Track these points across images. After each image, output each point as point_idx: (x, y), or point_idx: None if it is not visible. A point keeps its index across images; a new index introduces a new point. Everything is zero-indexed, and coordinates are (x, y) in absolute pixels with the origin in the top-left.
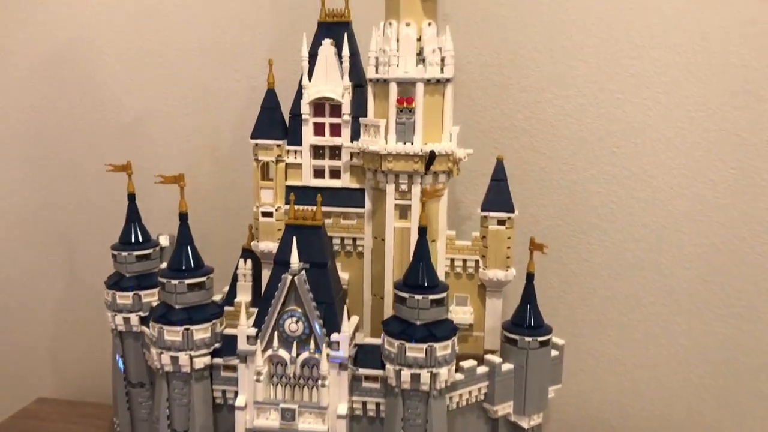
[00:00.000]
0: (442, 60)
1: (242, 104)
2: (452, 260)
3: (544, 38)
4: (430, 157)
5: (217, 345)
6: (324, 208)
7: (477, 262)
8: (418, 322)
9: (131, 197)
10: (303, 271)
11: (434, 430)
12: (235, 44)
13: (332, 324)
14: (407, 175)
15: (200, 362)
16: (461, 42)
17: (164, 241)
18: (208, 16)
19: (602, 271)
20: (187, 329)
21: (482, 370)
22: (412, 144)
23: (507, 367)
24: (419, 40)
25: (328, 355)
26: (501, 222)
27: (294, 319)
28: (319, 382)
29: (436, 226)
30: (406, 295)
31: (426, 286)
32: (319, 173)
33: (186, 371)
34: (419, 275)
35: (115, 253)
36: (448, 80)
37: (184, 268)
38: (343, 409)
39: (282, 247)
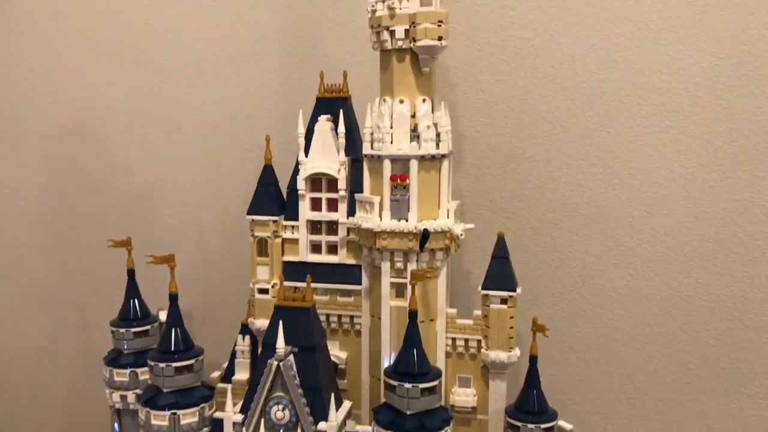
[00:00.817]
0: (438, 135)
1: (251, 179)
2: (453, 340)
3: (553, 107)
4: (424, 236)
5: (205, 429)
6: (321, 285)
7: (479, 342)
8: (408, 412)
9: (130, 273)
10: (291, 356)
11: None
12: (245, 120)
13: (320, 412)
14: (402, 252)
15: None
16: (469, 111)
17: (164, 316)
18: (223, 91)
19: (621, 347)
20: (174, 414)
21: None
22: (406, 221)
23: None
24: (413, 116)
25: None
26: (503, 301)
27: (280, 406)
28: None
29: (435, 305)
30: (395, 383)
31: (416, 374)
32: (316, 248)
33: None
34: (409, 362)
35: (113, 329)
36: (443, 156)
37: (173, 350)
38: None
39: (270, 328)
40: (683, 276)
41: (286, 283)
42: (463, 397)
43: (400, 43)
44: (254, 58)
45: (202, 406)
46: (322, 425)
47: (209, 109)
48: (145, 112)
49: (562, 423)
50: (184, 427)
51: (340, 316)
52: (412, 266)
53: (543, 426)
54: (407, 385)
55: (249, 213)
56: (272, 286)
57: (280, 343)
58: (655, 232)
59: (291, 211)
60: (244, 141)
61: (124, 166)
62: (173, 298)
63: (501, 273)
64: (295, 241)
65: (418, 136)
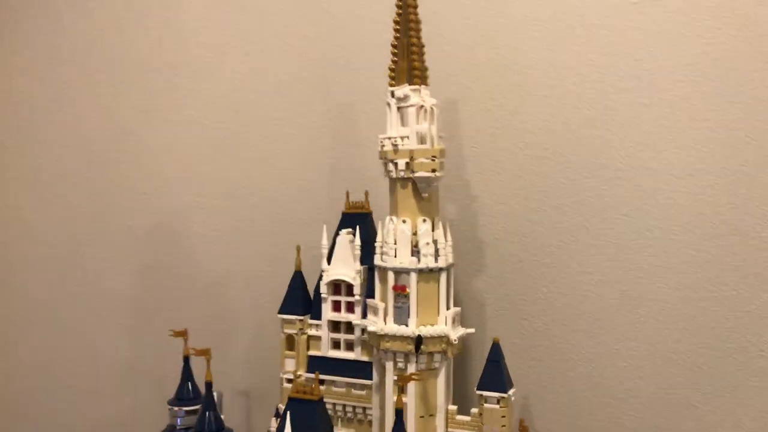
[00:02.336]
0: (436, 251)
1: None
2: None
3: (565, 219)
4: (418, 341)
5: None
6: (339, 378)
7: None
8: None
9: (185, 359)
10: None
11: None
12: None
13: None
14: (403, 354)
15: None
16: (489, 221)
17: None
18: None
19: None
20: None
21: None
22: (407, 326)
23: None
24: (415, 234)
25: None
26: (496, 401)
27: None
28: None
29: (434, 402)
30: None
31: None
32: (336, 345)
33: None
34: None
35: (170, 407)
36: (441, 269)
37: (206, 429)
38: None
39: (282, 417)
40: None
41: (309, 375)
42: None
43: (402, 173)
44: (299, 183)
45: None
46: None
47: (263, 228)
48: (218, 215)
49: None
50: None
51: (354, 407)
52: (411, 367)
53: None
54: None
55: (279, 312)
56: (297, 377)
57: (288, 430)
58: (663, 338)
59: (316, 312)
60: (285, 247)
61: (197, 260)
62: (208, 386)
63: (494, 375)
64: (319, 338)
65: (418, 252)
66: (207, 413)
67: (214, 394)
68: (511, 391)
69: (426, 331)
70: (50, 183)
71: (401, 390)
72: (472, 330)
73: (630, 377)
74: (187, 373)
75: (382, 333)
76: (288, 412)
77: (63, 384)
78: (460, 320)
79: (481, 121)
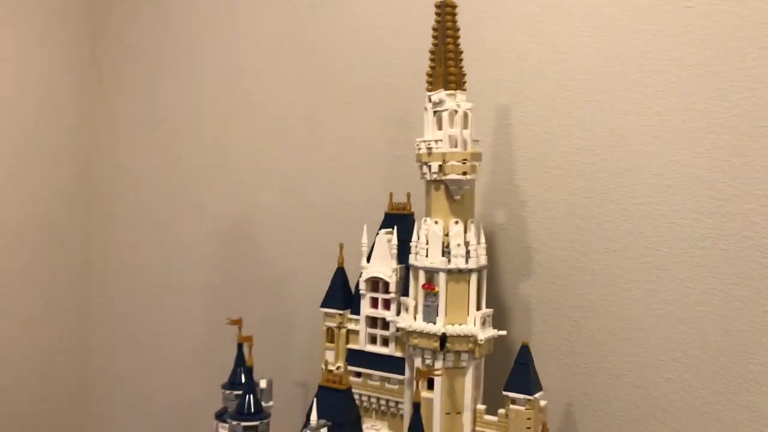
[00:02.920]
0: (467, 253)
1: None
2: None
3: (614, 226)
4: (442, 339)
5: None
6: (373, 372)
7: None
8: None
9: (239, 346)
10: (324, 429)
11: None
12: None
13: None
14: (431, 351)
15: None
16: (536, 226)
17: (263, 383)
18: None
19: None
20: None
21: None
22: (434, 324)
23: None
24: (447, 235)
25: None
26: (521, 403)
27: None
28: None
29: (461, 400)
30: None
31: None
32: (373, 340)
33: None
34: None
35: (223, 390)
36: (471, 270)
37: (245, 412)
38: None
39: (311, 405)
40: None
41: (350, 368)
42: None
43: (435, 175)
44: (357, 185)
45: None
46: None
47: (322, 228)
48: (284, 213)
49: None
50: None
51: (387, 401)
52: (438, 364)
53: None
54: None
55: (321, 306)
56: (336, 368)
57: (314, 417)
58: (711, 352)
59: (356, 307)
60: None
61: (266, 256)
62: (249, 371)
63: (521, 378)
64: (357, 332)
65: (449, 252)
66: (247, 396)
67: (264, 381)
68: (538, 394)
69: (453, 329)
70: (147, 178)
71: (420, 385)
72: (503, 332)
73: (675, 390)
74: (240, 360)
75: (411, 329)
76: (316, 399)
77: (145, 363)
78: (500, 323)
79: (532, 126)
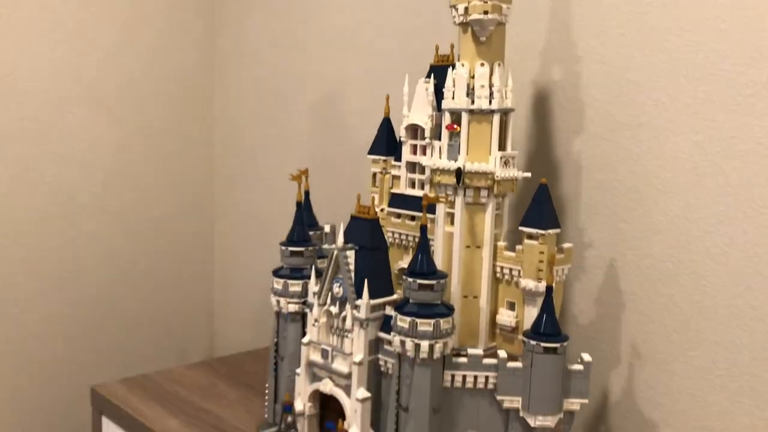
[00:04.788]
0: (491, 94)
1: None
2: (501, 268)
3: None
4: (458, 173)
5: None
6: (411, 212)
7: (519, 272)
8: (410, 300)
9: (298, 204)
10: (351, 251)
11: (415, 390)
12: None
13: (361, 292)
14: (452, 188)
15: (292, 307)
16: (590, 84)
17: (327, 228)
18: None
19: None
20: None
21: (489, 361)
22: (455, 161)
23: (514, 364)
24: (473, 77)
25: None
26: (535, 237)
27: (338, 284)
28: (346, 333)
29: (482, 236)
30: (405, 277)
31: (418, 272)
32: (413, 184)
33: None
34: (416, 263)
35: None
36: (493, 111)
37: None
38: (358, 357)
39: (345, 231)
40: None
41: (391, 209)
42: (505, 317)
43: (461, 18)
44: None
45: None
46: (358, 301)
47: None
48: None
49: (583, 354)
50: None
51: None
52: (459, 200)
53: (544, 345)
54: (409, 279)
55: (369, 153)
56: (381, 210)
57: (341, 239)
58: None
59: (399, 154)
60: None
61: (355, 129)
62: (299, 204)
63: (535, 214)
64: (399, 177)
65: (473, 93)
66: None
67: (328, 226)
68: (552, 231)
69: (470, 166)
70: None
71: (424, 209)
72: (527, 174)
73: (716, 244)
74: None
75: (434, 167)
76: (345, 228)
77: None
78: (551, 178)
79: None
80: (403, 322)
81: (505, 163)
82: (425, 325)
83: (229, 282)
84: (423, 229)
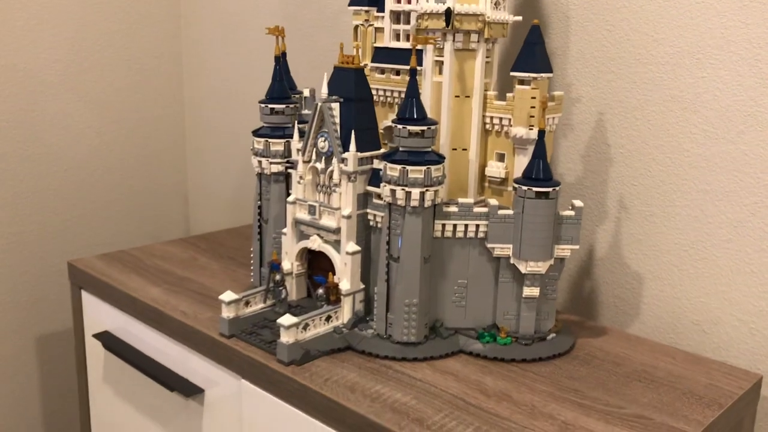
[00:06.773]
0: None
1: None
2: (491, 118)
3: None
4: (447, 14)
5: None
6: (396, 66)
7: (510, 120)
8: (400, 148)
9: (276, 59)
10: (336, 103)
11: (406, 239)
12: None
13: (348, 145)
14: (441, 33)
15: (275, 167)
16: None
17: (306, 92)
18: None
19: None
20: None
21: (480, 209)
22: (443, 4)
23: (505, 211)
24: None
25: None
26: (527, 82)
27: (323, 138)
28: (333, 189)
29: (471, 84)
30: (393, 124)
31: (407, 118)
32: (397, 36)
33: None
34: (406, 109)
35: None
36: None
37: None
38: (347, 211)
39: (328, 82)
40: None
41: (374, 65)
42: (494, 169)
43: None
44: None
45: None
46: (345, 154)
47: None
48: None
49: (575, 201)
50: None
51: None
52: (448, 46)
53: (536, 189)
54: (399, 126)
55: (350, 4)
56: (364, 66)
57: (324, 89)
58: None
59: (381, 4)
60: None
61: None
62: (277, 59)
63: (528, 57)
64: (382, 30)
65: None
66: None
67: (307, 90)
68: (545, 75)
69: (460, 8)
70: None
71: (413, 52)
72: (518, 18)
73: (708, 89)
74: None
75: (421, 12)
76: (329, 78)
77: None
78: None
79: None
80: (393, 170)
81: (496, 5)
82: (416, 172)
83: (202, 162)
84: (412, 72)
